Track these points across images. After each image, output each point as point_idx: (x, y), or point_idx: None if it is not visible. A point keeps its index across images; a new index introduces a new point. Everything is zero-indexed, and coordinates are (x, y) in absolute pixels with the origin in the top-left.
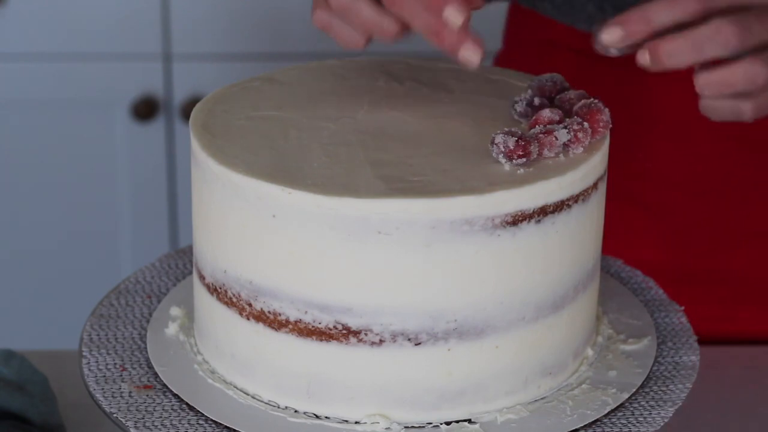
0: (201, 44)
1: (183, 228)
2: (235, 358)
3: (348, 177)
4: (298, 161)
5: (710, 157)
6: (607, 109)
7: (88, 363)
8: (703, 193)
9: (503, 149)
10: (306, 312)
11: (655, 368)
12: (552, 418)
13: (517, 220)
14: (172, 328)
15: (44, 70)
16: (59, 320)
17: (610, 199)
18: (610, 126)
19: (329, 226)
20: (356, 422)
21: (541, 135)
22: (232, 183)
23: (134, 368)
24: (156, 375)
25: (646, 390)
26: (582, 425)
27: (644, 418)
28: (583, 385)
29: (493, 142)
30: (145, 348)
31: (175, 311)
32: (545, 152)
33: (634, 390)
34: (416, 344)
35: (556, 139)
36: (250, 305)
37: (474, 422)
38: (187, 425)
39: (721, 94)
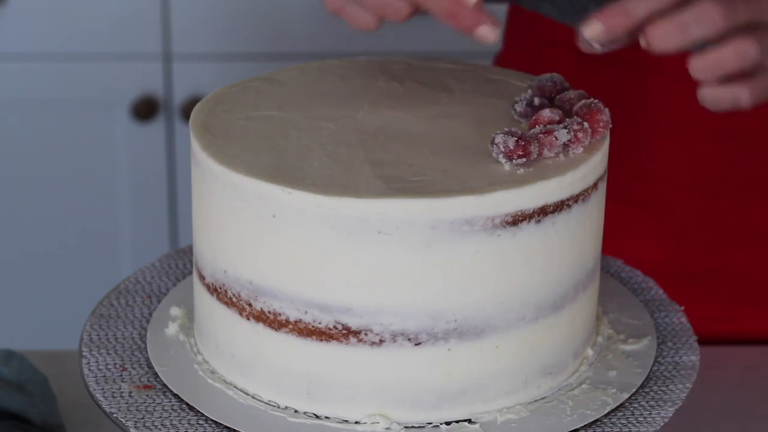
0: (201, 44)
1: (183, 228)
2: (235, 358)
3: (348, 177)
4: (298, 161)
5: (710, 157)
6: (607, 109)
7: (88, 363)
8: (704, 193)
9: (503, 149)
10: (306, 312)
11: (655, 368)
12: (552, 418)
13: (517, 220)
14: (172, 328)
15: (44, 70)
16: (59, 320)
17: (610, 199)
18: (610, 126)
19: (329, 226)
20: (356, 422)
21: (541, 135)
22: (232, 183)
23: (134, 368)
24: (156, 375)
25: (646, 390)
26: (582, 425)
27: (644, 418)
28: (583, 385)
29: (493, 142)
30: (145, 348)
31: (175, 311)
32: (545, 152)
33: (634, 390)
34: (416, 344)
35: (556, 139)
36: (250, 305)
37: (474, 422)
38: (187, 425)
39: (716, 77)
